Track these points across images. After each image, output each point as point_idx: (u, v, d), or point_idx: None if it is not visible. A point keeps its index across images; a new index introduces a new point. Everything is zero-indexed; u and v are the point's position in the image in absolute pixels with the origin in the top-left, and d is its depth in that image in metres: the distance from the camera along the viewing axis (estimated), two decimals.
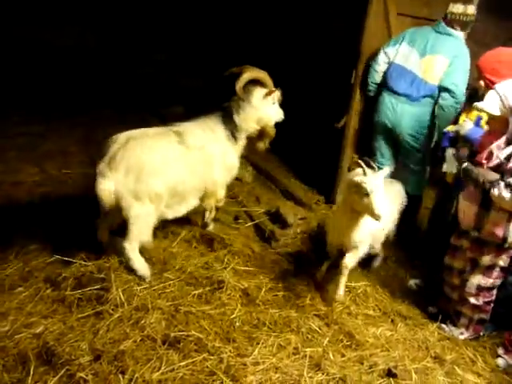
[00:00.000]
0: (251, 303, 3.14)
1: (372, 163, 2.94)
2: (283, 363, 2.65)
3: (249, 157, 5.26)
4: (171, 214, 3.35)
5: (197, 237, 3.76)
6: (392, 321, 3.26)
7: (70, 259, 3.16)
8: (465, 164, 2.94)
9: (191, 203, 3.46)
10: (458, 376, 2.83)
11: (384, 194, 2.90)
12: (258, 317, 3.02)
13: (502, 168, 2.80)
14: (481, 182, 2.81)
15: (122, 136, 3.05)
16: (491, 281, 3.04)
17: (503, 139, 2.83)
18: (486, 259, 2.99)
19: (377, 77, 4.18)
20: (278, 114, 3.67)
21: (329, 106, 4.81)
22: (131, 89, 6.68)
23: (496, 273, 3.03)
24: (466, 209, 3.03)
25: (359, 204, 2.90)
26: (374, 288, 3.59)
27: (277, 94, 3.56)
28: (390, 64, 4.08)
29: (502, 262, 2.99)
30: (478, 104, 2.88)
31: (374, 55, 4.21)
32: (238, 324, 2.93)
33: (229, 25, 6.91)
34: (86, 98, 6.23)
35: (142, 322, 2.77)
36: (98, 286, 2.96)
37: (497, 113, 2.79)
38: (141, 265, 3.15)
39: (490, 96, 2.83)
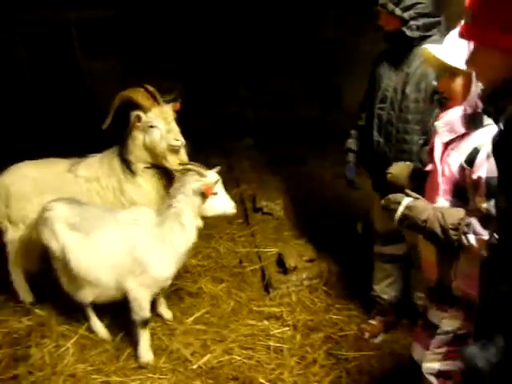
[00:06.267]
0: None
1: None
2: None
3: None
4: None
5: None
6: None
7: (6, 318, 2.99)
8: (405, 200, 1.68)
9: None
10: None
11: None
12: None
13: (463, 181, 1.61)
14: (446, 233, 1.58)
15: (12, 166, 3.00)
16: None
17: (457, 114, 1.64)
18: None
19: None
20: (165, 137, 2.74)
21: None
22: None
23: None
24: (424, 247, 1.81)
25: None
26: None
27: (153, 115, 2.73)
28: None
29: None
30: (435, 53, 1.70)
31: None
32: None
33: None
34: None
35: None
36: (24, 346, 2.71)
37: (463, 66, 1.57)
38: (22, 289, 3.09)
39: (451, 45, 1.67)
